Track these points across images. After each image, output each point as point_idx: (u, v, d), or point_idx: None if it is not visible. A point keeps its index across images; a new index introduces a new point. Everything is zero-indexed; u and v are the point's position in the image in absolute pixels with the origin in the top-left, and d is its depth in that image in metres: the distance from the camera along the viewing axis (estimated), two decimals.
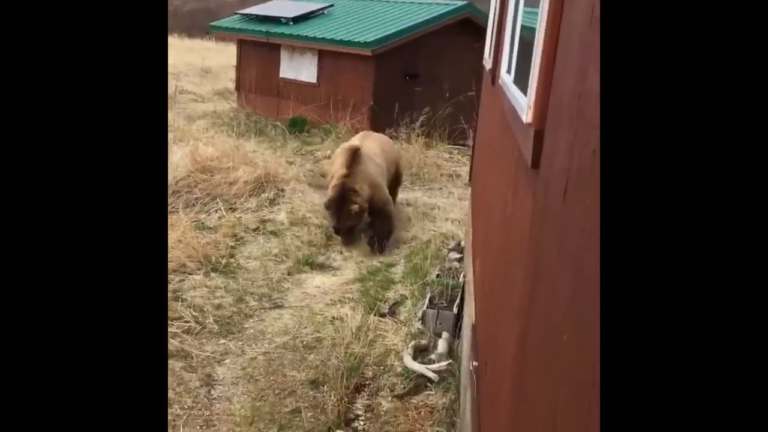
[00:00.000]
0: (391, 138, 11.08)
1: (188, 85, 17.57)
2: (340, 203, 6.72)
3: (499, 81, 3.53)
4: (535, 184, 1.73)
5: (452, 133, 11.54)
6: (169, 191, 7.67)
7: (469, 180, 7.80)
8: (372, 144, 7.70)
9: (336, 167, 7.09)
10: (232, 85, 16.37)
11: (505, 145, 2.93)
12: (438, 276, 5.68)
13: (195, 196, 7.69)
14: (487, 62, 5.42)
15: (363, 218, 7.04)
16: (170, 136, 9.68)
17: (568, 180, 1.22)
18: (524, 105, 1.96)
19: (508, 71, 3.09)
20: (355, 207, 6.70)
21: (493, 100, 4.32)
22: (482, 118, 6.11)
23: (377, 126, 11.81)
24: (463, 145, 11.37)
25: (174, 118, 11.33)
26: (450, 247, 6.70)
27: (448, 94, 11.61)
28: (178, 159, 8.25)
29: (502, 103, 3.05)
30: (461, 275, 5.55)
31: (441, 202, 8.84)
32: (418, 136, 11.00)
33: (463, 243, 6.52)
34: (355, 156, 6.93)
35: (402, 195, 8.95)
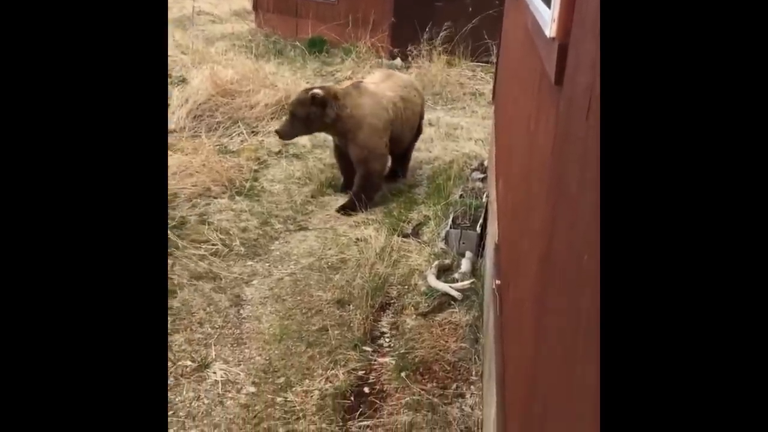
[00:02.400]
0: (412, 57, 10.85)
1: (205, 5, 17.21)
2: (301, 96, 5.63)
3: None
4: (558, 101, 1.69)
5: (475, 49, 11.20)
6: (191, 115, 7.67)
7: (493, 98, 7.66)
8: (389, 86, 6.14)
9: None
10: (249, 5, 16.01)
11: (529, 61, 2.85)
12: (461, 196, 5.67)
13: (217, 120, 7.68)
14: None
15: (316, 118, 5.54)
16: (189, 59, 9.59)
17: (591, 97, 1.19)
18: (548, 18, 1.89)
19: None
20: (317, 92, 5.48)
21: (516, 14, 4.18)
22: (505, 33, 5.93)
23: (398, 44, 11.54)
24: (487, 62, 11.07)
25: (192, 40, 11.17)
26: (473, 167, 6.65)
27: (470, 9, 11.22)
28: (198, 83, 8.19)
29: (526, 16, 2.95)
30: (484, 195, 5.54)
31: (464, 122, 8.71)
32: (439, 54, 10.72)
33: (486, 163, 6.47)
34: (353, 84, 5.94)
35: (425, 115, 8.82)
